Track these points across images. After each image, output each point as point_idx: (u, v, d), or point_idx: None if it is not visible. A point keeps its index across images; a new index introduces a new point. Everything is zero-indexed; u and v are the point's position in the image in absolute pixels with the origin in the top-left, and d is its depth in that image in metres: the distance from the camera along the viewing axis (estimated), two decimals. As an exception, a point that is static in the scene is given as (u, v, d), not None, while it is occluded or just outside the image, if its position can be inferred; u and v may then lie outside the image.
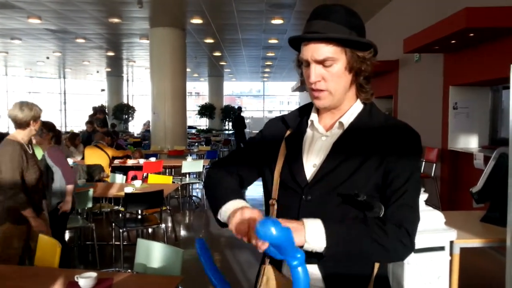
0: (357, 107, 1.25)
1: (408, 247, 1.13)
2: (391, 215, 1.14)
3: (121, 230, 4.39)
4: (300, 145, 1.26)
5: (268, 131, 1.38)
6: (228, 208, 1.17)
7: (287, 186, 1.23)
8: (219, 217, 1.21)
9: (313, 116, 1.28)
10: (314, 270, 1.17)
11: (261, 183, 1.37)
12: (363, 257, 1.13)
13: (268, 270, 1.26)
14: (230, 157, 1.43)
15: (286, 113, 1.41)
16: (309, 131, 1.29)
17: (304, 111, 1.33)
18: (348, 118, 1.23)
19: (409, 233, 1.13)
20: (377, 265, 1.19)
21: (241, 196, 1.23)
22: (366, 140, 1.18)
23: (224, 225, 1.19)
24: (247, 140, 1.44)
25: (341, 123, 1.23)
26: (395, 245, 1.11)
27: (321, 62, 1.16)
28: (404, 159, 1.16)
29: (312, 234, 1.06)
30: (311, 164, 1.22)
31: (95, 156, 6.34)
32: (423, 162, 6.40)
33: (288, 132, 1.32)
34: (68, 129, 18.80)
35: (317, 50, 1.15)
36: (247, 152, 1.40)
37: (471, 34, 4.63)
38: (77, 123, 19.62)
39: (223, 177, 1.32)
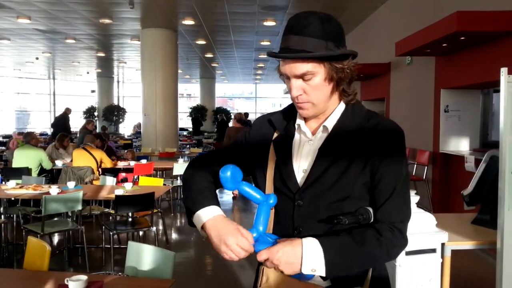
0: (340, 109, 1.26)
1: (401, 247, 1.19)
2: (382, 216, 1.18)
3: (111, 233, 4.35)
4: (290, 150, 1.28)
5: (256, 132, 1.38)
6: (200, 216, 1.20)
7: (280, 191, 1.26)
8: (192, 219, 1.23)
9: (300, 121, 1.29)
10: None
11: None
12: (360, 269, 1.20)
13: (267, 270, 1.26)
14: (212, 155, 1.41)
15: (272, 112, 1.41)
16: (296, 134, 1.30)
17: (290, 113, 1.34)
18: (331, 122, 1.25)
19: (402, 232, 1.19)
20: None
21: (214, 197, 1.24)
22: (350, 142, 1.21)
23: (194, 225, 1.23)
24: (234, 141, 1.42)
25: (325, 127, 1.25)
26: (388, 251, 1.17)
27: (301, 77, 1.17)
28: (388, 158, 1.19)
29: (309, 260, 1.10)
30: (301, 169, 1.25)
31: (82, 159, 6.29)
32: (415, 165, 6.44)
33: (275, 135, 1.33)
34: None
35: (294, 67, 1.16)
36: (232, 152, 1.39)
37: (462, 38, 4.67)
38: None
39: (198, 176, 1.32)
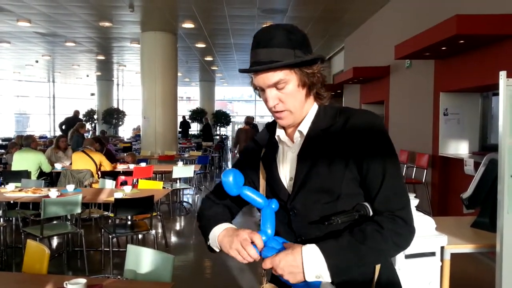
0: (313, 112, 1.28)
1: (408, 236, 1.16)
2: (379, 205, 1.16)
3: (110, 236, 4.34)
4: (275, 162, 1.30)
5: (246, 156, 1.43)
6: (214, 234, 1.28)
7: None
8: (209, 243, 1.31)
9: (279, 132, 1.31)
10: None
11: None
12: (368, 266, 1.18)
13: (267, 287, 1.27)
14: (216, 188, 1.47)
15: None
16: (280, 146, 1.33)
17: (271, 128, 1.37)
18: (306, 125, 1.26)
19: (405, 219, 1.15)
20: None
21: (226, 220, 1.33)
22: (326, 141, 1.21)
23: (213, 250, 1.31)
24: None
25: (300, 132, 1.26)
26: (394, 242, 1.14)
27: (274, 85, 1.19)
28: (370, 147, 1.17)
29: (311, 267, 1.10)
30: (288, 177, 1.27)
31: (81, 162, 6.29)
32: (414, 168, 6.44)
33: (262, 152, 1.36)
34: (57, 134, 18.60)
35: (267, 77, 1.19)
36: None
37: (462, 41, 4.68)
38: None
39: (209, 207, 1.41)
